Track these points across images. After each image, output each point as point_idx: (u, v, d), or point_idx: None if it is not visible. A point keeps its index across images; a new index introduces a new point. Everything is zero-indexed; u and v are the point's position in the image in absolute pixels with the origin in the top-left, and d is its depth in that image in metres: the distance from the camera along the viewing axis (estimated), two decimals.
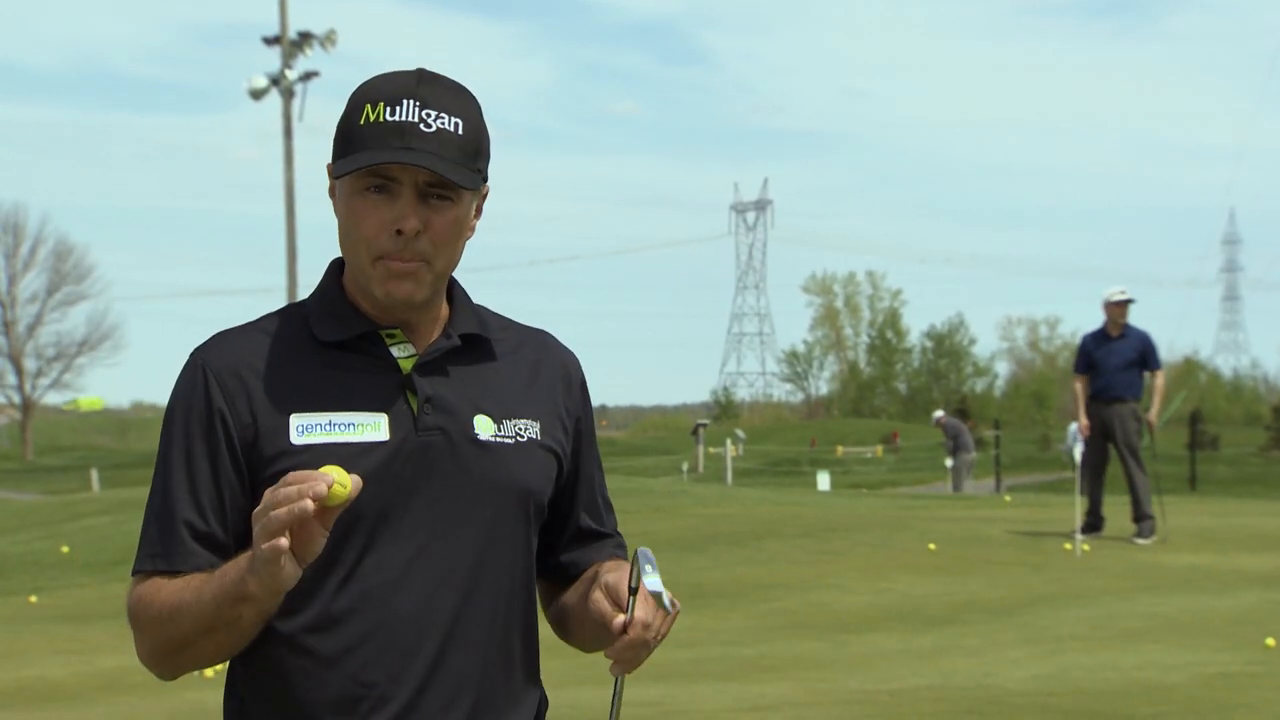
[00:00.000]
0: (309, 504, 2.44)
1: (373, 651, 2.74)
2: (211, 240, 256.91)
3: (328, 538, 2.58)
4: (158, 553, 2.75)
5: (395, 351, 2.82)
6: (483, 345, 2.88)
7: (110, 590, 18.13)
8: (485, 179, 2.83)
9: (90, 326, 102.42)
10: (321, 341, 2.80)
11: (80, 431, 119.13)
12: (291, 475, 2.49)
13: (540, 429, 2.87)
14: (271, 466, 2.72)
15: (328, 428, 2.74)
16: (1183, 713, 8.94)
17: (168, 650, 2.76)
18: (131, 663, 13.14)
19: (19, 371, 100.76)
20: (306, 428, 2.74)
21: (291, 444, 2.73)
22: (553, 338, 3.03)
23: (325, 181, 2.83)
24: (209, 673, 11.75)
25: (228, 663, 2.86)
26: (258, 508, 2.49)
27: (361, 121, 2.73)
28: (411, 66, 2.81)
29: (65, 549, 21.37)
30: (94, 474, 54.75)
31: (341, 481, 2.49)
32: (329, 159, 2.82)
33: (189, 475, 2.75)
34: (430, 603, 2.76)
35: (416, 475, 2.76)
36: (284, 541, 2.45)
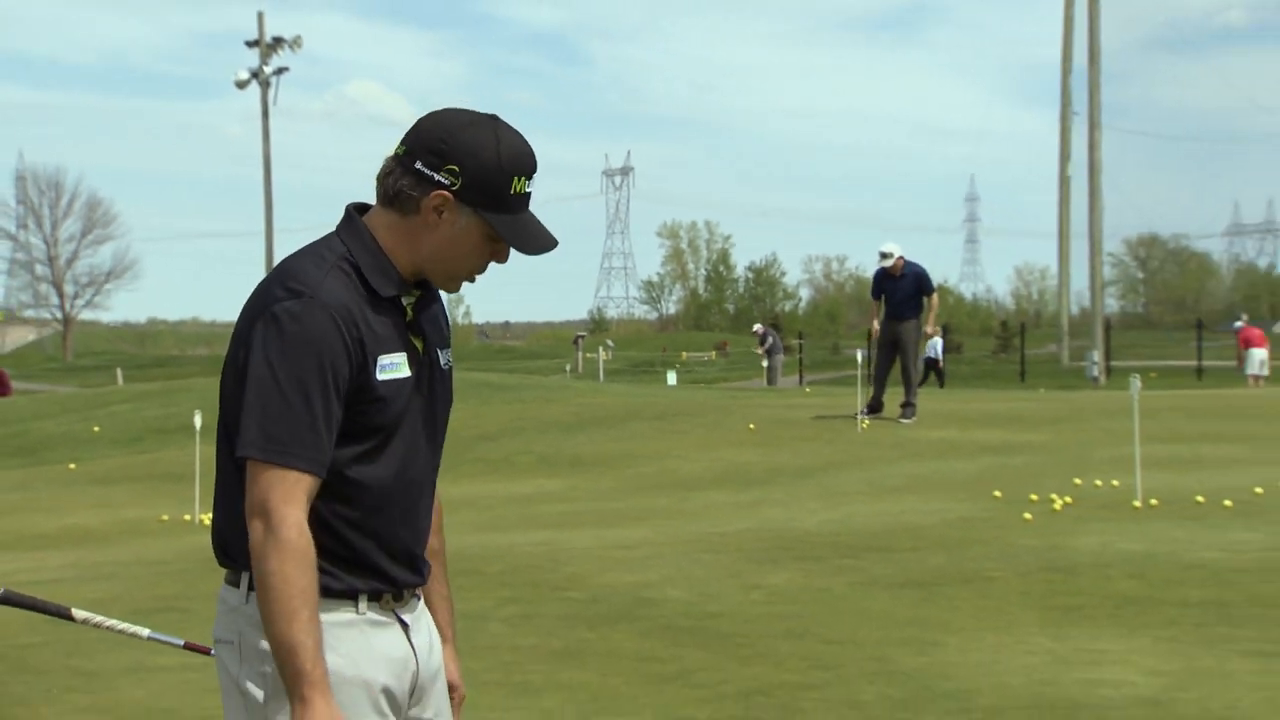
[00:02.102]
0: None
1: (399, 509, 2.74)
2: (208, 196, 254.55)
3: (384, 434, 2.67)
4: (317, 459, 2.58)
5: (403, 300, 2.76)
6: (435, 290, 2.86)
7: (131, 460, 17.88)
8: None
9: (115, 260, 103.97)
10: (376, 293, 2.70)
11: (109, 340, 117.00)
12: None
13: (450, 354, 2.89)
14: (360, 397, 2.64)
15: (389, 367, 2.67)
16: (934, 545, 9.06)
17: (259, 583, 2.59)
18: (149, 513, 13.01)
19: (60, 295, 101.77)
20: (383, 367, 2.66)
21: (377, 380, 2.65)
22: None
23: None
24: (209, 522, 11.63)
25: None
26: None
27: (513, 191, 2.64)
28: (475, 102, 2.68)
29: (96, 429, 21.02)
30: (119, 372, 53.99)
31: None
32: (450, 181, 2.64)
33: (325, 403, 2.59)
34: (421, 475, 2.79)
35: (421, 397, 2.75)
36: None
